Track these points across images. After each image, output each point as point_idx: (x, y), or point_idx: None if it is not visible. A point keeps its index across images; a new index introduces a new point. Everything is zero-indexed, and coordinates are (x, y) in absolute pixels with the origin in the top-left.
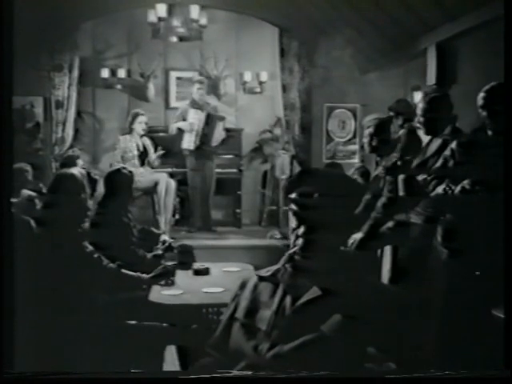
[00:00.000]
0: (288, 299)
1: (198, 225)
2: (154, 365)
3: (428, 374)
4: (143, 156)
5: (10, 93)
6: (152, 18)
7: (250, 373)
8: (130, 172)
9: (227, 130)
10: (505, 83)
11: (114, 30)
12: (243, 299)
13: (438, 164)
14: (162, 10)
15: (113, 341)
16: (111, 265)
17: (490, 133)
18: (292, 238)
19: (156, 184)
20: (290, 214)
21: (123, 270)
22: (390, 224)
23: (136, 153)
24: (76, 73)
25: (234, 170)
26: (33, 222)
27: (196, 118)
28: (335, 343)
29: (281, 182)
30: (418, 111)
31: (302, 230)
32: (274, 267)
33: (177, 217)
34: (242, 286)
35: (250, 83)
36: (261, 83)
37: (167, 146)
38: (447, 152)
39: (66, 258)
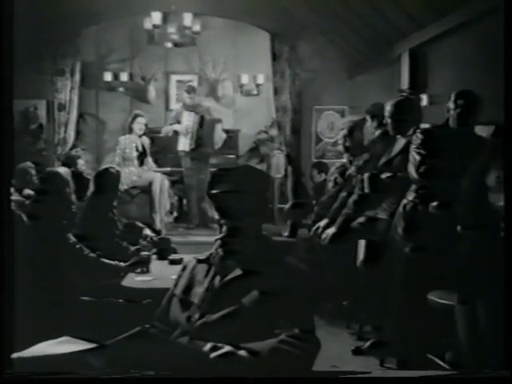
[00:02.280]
0: (217, 278)
1: (196, 222)
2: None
3: (428, 374)
4: (142, 156)
5: (11, 96)
6: (148, 25)
7: (250, 374)
8: (118, 171)
9: (226, 132)
10: (505, 83)
11: (116, 36)
12: (183, 278)
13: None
14: (156, 17)
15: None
16: (91, 254)
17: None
18: (218, 227)
19: (151, 183)
20: (213, 207)
21: (102, 259)
22: (361, 219)
23: (135, 153)
24: (77, 77)
25: None
26: (24, 216)
27: (190, 121)
28: (253, 313)
29: (276, 181)
30: (386, 113)
31: (224, 220)
32: (209, 252)
33: (175, 214)
34: (184, 267)
35: (247, 85)
36: (257, 86)
37: (166, 147)
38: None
39: (52, 248)
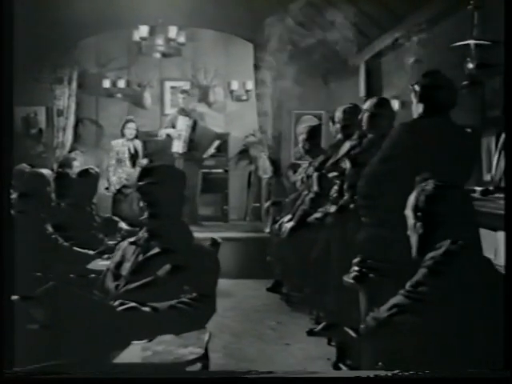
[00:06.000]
0: (141, 255)
1: (186, 220)
2: None
3: (428, 374)
4: (134, 158)
5: (11, 103)
6: (136, 37)
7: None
8: (97, 172)
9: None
10: (505, 82)
11: (114, 46)
12: (116, 256)
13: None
14: (143, 30)
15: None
16: (65, 243)
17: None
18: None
19: None
20: (139, 197)
21: (75, 248)
22: (318, 214)
23: (127, 155)
24: (75, 85)
25: (221, 171)
26: (12, 211)
27: (183, 125)
28: (165, 282)
29: (263, 181)
30: (335, 119)
31: (146, 206)
32: (137, 235)
33: None
34: (119, 248)
35: (237, 91)
36: (247, 91)
37: (159, 149)
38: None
39: (32, 238)
